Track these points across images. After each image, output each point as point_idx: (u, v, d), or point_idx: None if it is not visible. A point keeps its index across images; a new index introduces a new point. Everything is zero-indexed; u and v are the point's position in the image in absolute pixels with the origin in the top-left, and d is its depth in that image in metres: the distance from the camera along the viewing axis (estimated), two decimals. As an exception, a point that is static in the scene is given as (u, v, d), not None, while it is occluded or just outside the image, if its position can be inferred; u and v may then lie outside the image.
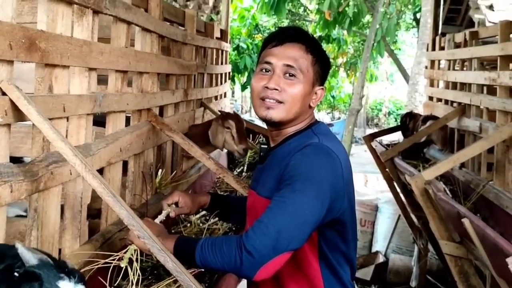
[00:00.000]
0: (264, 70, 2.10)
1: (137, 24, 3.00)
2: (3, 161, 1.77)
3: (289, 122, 2.11)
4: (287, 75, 2.06)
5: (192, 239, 2.12)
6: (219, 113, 5.37)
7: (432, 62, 7.28)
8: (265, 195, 2.08)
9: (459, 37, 6.31)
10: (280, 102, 2.06)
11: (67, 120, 2.30)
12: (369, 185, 10.18)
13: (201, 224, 3.65)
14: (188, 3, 11.27)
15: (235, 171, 5.42)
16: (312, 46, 2.11)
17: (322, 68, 2.13)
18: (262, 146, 2.31)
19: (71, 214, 2.38)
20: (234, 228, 3.53)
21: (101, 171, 2.71)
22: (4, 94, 1.72)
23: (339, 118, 28.40)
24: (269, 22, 21.50)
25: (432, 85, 7.30)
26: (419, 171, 5.06)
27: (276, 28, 19.84)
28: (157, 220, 2.26)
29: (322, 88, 2.15)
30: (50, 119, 2.05)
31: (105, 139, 2.66)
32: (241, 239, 1.88)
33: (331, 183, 1.96)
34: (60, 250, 2.32)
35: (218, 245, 1.93)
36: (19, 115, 1.78)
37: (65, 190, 2.33)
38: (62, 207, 2.35)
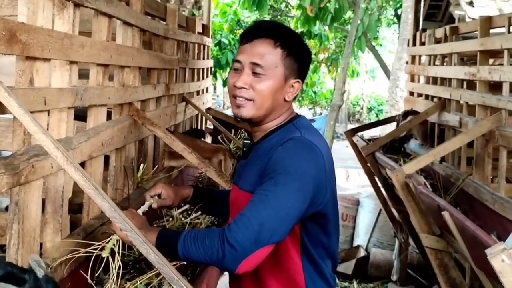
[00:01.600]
0: (236, 69, 2.11)
1: (119, 17, 2.99)
2: (-17, 154, 1.76)
3: (263, 118, 2.12)
4: (255, 72, 2.06)
5: (175, 232, 2.13)
6: (202, 110, 5.39)
7: (413, 57, 7.33)
8: (247, 190, 2.08)
9: (439, 32, 6.35)
10: (249, 100, 2.07)
11: (48, 114, 2.29)
12: (350, 180, 10.22)
13: (183, 219, 3.65)
14: (169, -2, 11.22)
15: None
16: (283, 39, 2.09)
17: (297, 61, 2.11)
18: (245, 141, 2.30)
19: (52, 208, 2.38)
20: (216, 222, 3.53)
21: (82, 165, 2.71)
22: (-16, 87, 1.71)
23: (320, 114, 28.43)
24: (251, 18, 21.44)
25: (412, 80, 7.35)
26: (400, 165, 5.10)
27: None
28: (140, 211, 2.25)
29: (298, 81, 2.13)
30: (31, 112, 2.04)
31: (86, 133, 2.65)
32: (223, 232, 1.89)
33: (313, 177, 1.97)
34: (41, 244, 2.31)
35: (201, 238, 1.93)
36: (0, 108, 1.77)
37: (46, 183, 2.32)
38: (44, 201, 2.35)
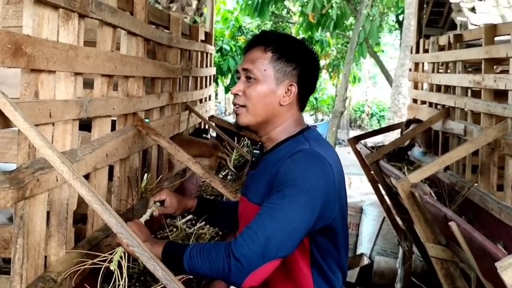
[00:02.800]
0: (237, 79, 2.16)
1: (123, 27, 2.97)
2: (-12, 168, 1.74)
3: (262, 124, 2.11)
4: (247, 78, 2.08)
5: (180, 244, 2.10)
6: (205, 118, 5.37)
7: (416, 64, 7.30)
8: (255, 202, 2.06)
9: (443, 39, 6.33)
10: (243, 106, 2.09)
11: (54, 125, 2.27)
12: (353, 187, 10.21)
13: (187, 229, 3.62)
14: (171, 5, 11.23)
15: (220, 175, 5.40)
16: (275, 44, 2.09)
17: (291, 64, 2.08)
18: (254, 151, 2.29)
19: (57, 221, 2.35)
20: (221, 233, 3.51)
21: (87, 176, 2.69)
22: (-11, 100, 1.69)
23: (322, 120, 28.42)
24: (252, 24, 21.49)
25: (416, 87, 7.33)
26: (404, 173, 5.07)
27: (260, 30, 19.83)
28: (142, 220, 2.23)
29: (293, 84, 2.09)
30: (36, 125, 2.02)
31: (91, 145, 2.62)
32: (229, 246, 1.87)
33: (321, 190, 1.94)
34: (45, 257, 2.28)
35: (207, 251, 1.91)
36: (5, 121, 1.75)
37: (51, 196, 2.30)
38: (48, 213, 2.32)
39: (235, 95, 2.10)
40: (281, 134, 2.12)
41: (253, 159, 2.27)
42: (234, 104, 2.12)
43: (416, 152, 6.31)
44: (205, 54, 6.19)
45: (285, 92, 2.08)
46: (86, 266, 2.08)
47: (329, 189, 1.97)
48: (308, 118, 31.45)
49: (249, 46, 2.15)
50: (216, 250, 1.89)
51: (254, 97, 2.06)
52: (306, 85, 2.14)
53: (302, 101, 2.16)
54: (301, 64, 2.12)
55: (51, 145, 1.75)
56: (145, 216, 2.30)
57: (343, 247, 2.13)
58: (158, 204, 2.40)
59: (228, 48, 17.37)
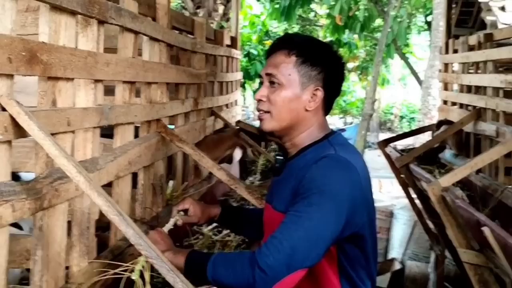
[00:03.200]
0: (260, 84, 2.10)
1: (145, 33, 2.93)
2: (4, 179, 1.70)
3: (287, 130, 2.04)
4: (271, 83, 2.02)
5: (204, 254, 2.04)
6: (231, 123, 5.33)
7: (446, 65, 7.16)
8: (280, 209, 1.99)
9: (472, 39, 6.19)
10: (267, 112, 2.02)
11: (74, 133, 2.24)
12: (383, 190, 10.06)
13: (213, 236, 3.58)
14: (198, 10, 11.24)
15: (247, 180, 5.35)
16: (299, 47, 2.02)
17: (317, 68, 2.01)
18: (278, 157, 2.22)
19: (78, 231, 2.31)
20: (247, 240, 3.45)
21: (110, 185, 2.65)
22: (4, 109, 1.65)
23: (351, 123, 28.23)
24: (279, 28, 21.43)
25: (446, 88, 7.18)
26: (435, 176, 4.96)
27: (287, 34, 19.78)
28: (165, 229, 2.19)
29: (319, 89, 2.02)
30: (54, 133, 1.99)
31: (113, 152, 2.59)
32: (254, 256, 1.80)
33: (348, 196, 1.87)
34: (67, 267, 2.25)
35: (230, 261, 1.85)
36: (20, 131, 1.71)
37: (72, 206, 2.26)
38: (69, 223, 2.29)
39: (259, 100, 2.04)
40: (305, 139, 2.06)
41: (277, 165, 2.21)
42: (258, 110, 2.06)
43: (447, 154, 6.18)
44: (230, 59, 6.14)
45: (311, 97, 2.02)
46: (107, 277, 2.03)
47: (355, 195, 1.90)
48: (337, 121, 31.29)
49: (272, 50, 2.08)
50: (240, 260, 1.83)
51: (279, 103, 1.99)
52: (332, 89, 2.07)
53: (327, 105, 2.09)
54: (326, 67, 2.05)
55: (67, 155, 1.70)
56: (168, 226, 2.25)
57: (372, 255, 2.06)
58: (182, 213, 2.35)
59: (255, 52, 17.32)
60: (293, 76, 1.99)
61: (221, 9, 11.33)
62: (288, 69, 1.99)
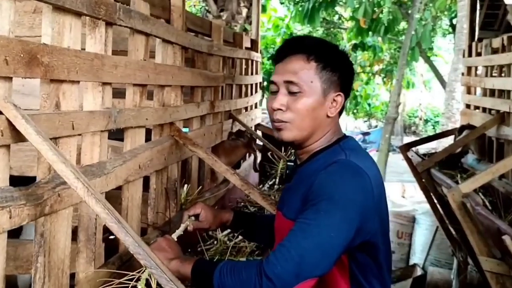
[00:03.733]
0: (272, 91, 1.98)
1: (156, 35, 2.87)
2: (1, 184, 1.65)
3: (307, 138, 1.96)
4: (290, 91, 1.92)
5: (211, 262, 1.98)
6: (249, 127, 5.26)
7: (469, 68, 7.04)
8: (290, 217, 1.93)
9: (496, 42, 6.07)
10: (288, 122, 1.93)
11: (80, 137, 2.19)
12: (406, 195, 9.93)
13: (228, 242, 3.51)
14: (221, 13, 11.22)
15: (266, 184, 5.29)
16: (317, 52, 1.93)
17: (336, 73, 1.95)
18: (289, 163, 2.15)
19: (85, 237, 2.27)
20: (262, 246, 3.38)
21: (119, 189, 2.61)
22: (0, 113, 1.60)
23: (376, 126, 28.04)
24: (303, 31, 21.35)
25: (469, 92, 7.06)
26: (457, 182, 4.85)
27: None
28: (175, 235, 2.16)
29: (340, 94, 1.96)
30: (57, 137, 1.94)
31: (122, 156, 2.53)
32: (261, 265, 1.74)
33: (359, 203, 1.80)
34: (72, 275, 2.20)
35: (237, 270, 1.79)
36: (19, 136, 1.66)
37: (79, 211, 2.22)
38: (76, 228, 2.24)
39: (277, 110, 1.94)
40: (318, 144, 1.99)
41: (287, 171, 2.14)
42: (275, 121, 1.96)
43: (470, 159, 6.06)
44: (250, 62, 6.08)
45: (331, 103, 1.95)
46: (112, 287, 1.97)
47: (367, 202, 1.83)
48: (361, 124, 31.10)
49: (283, 54, 1.99)
50: (248, 269, 1.77)
51: (302, 112, 1.91)
52: (347, 92, 2.02)
53: (342, 107, 2.02)
54: (344, 71, 1.99)
55: (65, 159, 1.65)
56: (178, 231, 2.21)
57: (385, 263, 1.98)
58: (193, 218, 2.30)
59: (279, 55, 17.24)
60: (315, 83, 1.91)
61: (244, 12, 11.32)
62: (310, 76, 1.91)
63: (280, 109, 1.92)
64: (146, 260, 1.62)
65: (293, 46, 1.98)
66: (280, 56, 1.99)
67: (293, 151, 5.61)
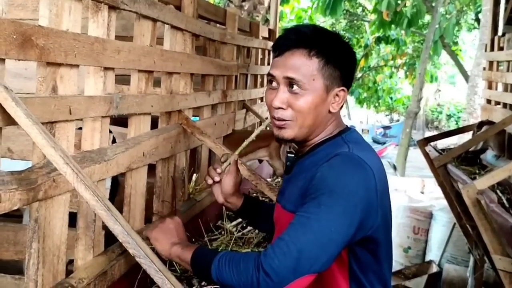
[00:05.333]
0: (271, 85, 1.90)
1: (164, 21, 2.83)
2: (-9, 168, 1.62)
3: (307, 135, 1.90)
4: (291, 88, 1.83)
5: (211, 251, 1.93)
6: (263, 117, 5.20)
7: (491, 63, 6.92)
8: (289, 209, 1.87)
9: (519, 36, 5.96)
10: (289, 120, 1.86)
11: (80, 122, 2.16)
12: (426, 190, 9.82)
13: (235, 233, 3.47)
14: (243, 3, 11.15)
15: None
16: (318, 46, 1.84)
17: (339, 67, 1.86)
18: (289, 155, 2.09)
19: (84, 223, 2.24)
20: (267, 237, 3.34)
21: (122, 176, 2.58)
22: (-10, 95, 1.57)
23: (397, 121, 27.84)
24: (326, 23, 21.22)
25: (490, 87, 6.95)
26: (474, 178, 4.76)
27: (334, 29, 19.49)
28: (223, 167, 2.15)
29: (343, 89, 1.88)
30: (53, 122, 1.91)
31: (125, 143, 2.50)
32: (259, 258, 1.68)
33: (361, 198, 1.73)
34: (70, 261, 2.17)
35: (235, 261, 1.74)
36: (10, 119, 1.62)
37: (79, 197, 2.18)
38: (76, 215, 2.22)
39: (279, 108, 1.86)
40: (318, 138, 1.93)
41: (287, 163, 2.08)
42: (277, 119, 1.88)
43: (489, 155, 5.96)
44: (266, 51, 6.02)
45: (334, 98, 1.88)
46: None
47: (370, 196, 1.76)
48: (383, 118, 30.91)
49: (283, 47, 1.88)
50: (245, 261, 1.72)
51: (304, 110, 1.84)
52: (350, 85, 1.94)
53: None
54: (346, 64, 1.90)
55: (55, 144, 1.61)
56: (225, 165, 2.16)
57: (386, 260, 1.92)
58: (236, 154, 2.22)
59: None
60: (317, 80, 1.83)
61: (266, 2, 11.22)
62: (312, 72, 1.83)
63: (281, 108, 1.85)
64: (135, 249, 1.59)
65: (294, 39, 1.87)
66: (279, 48, 1.89)
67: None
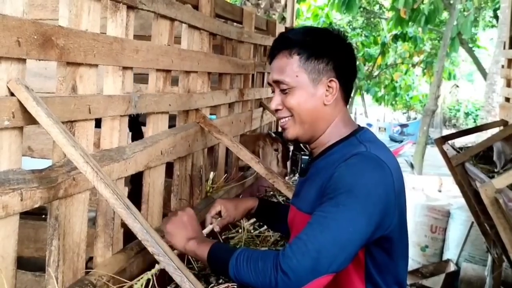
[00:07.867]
0: (272, 91, 2.02)
1: (181, 20, 2.85)
2: (13, 167, 1.64)
3: (310, 131, 1.95)
4: (281, 90, 1.93)
5: (228, 248, 1.94)
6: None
7: (509, 61, 6.85)
8: (305, 210, 1.89)
9: (539, 34, 5.91)
10: (288, 118, 1.95)
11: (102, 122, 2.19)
12: (443, 188, 9.76)
13: (252, 231, 3.49)
14: (260, 2, 11.16)
15: (297, 173, 5.24)
16: (298, 45, 1.90)
17: (324, 60, 1.90)
18: (303, 157, 2.11)
19: (103, 221, 2.26)
20: (285, 236, 3.35)
21: (140, 174, 2.59)
22: (12, 94, 1.59)
23: (415, 119, 27.71)
24: (343, 20, 21.17)
25: (509, 85, 6.88)
26: (492, 177, 4.73)
27: (351, 27, 19.34)
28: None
29: (333, 80, 1.90)
30: (73, 121, 1.93)
31: (143, 142, 2.52)
32: (277, 257, 1.69)
33: (380, 197, 1.74)
34: (90, 258, 2.20)
35: (254, 259, 1.75)
36: (31, 118, 1.64)
37: (98, 195, 2.21)
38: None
39: (276, 110, 1.97)
40: (330, 136, 1.95)
41: (302, 165, 2.09)
42: (280, 120, 1.99)
43: (509, 154, 5.91)
44: (283, 50, 6.01)
45: (326, 90, 1.91)
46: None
47: (388, 196, 1.77)
48: (400, 116, 30.76)
49: (273, 54, 1.98)
50: (264, 260, 1.73)
51: (295, 106, 1.91)
52: (346, 76, 1.96)
53: (346, 93, 1.98)
54: (334, 55, 1.93)
55: (75, 143, 1.63)
56: (205, 231, 2.18)
57: (401, 259, 1.93)
58: (217, 217, 2.27)
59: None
60: (300, 76, 1.89)
61: (283, 0, 11.22)
62: (294, 70, 1.89)
63: (279, 109, 1.95)
64: (154, 247, 1.60)
65: (278, 45, 1.96)
66: (271, 56, 1.99)
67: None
